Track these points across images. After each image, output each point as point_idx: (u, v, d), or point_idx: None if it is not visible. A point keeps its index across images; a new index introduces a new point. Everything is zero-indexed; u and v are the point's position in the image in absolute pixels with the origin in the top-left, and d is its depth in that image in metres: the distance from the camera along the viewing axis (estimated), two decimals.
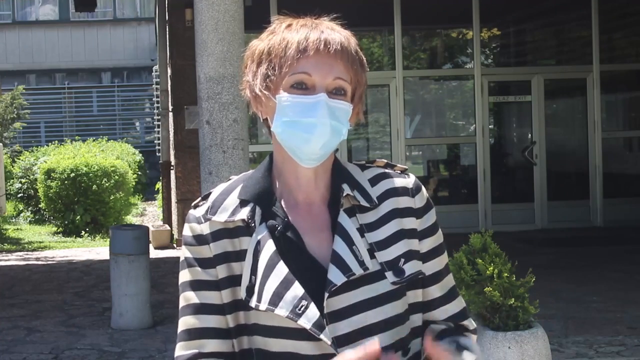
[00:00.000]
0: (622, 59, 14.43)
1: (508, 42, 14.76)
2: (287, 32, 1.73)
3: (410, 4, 13.17)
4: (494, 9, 13.67)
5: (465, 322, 1.85)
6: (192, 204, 1.82)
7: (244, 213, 1.73)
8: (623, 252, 11.13)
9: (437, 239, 1.83)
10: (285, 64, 1.70)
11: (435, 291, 1.81)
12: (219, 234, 1.74)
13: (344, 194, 1.74)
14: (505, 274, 4.80)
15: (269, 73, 1.72)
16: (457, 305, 1.85)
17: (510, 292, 4.80)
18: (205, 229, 1.75)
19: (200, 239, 1.76)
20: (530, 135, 13.72)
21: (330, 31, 1.73)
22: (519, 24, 14.72)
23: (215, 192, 1.80)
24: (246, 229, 1.73)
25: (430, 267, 1.80)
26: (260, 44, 1.77)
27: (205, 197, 1.80)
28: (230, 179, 1.83)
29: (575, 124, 14.17)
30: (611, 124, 14.21)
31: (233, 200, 1.76)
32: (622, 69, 14.13)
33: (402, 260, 1.75)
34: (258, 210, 1.74)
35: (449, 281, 1.85)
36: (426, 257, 1.80)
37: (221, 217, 1.75)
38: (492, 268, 4.81)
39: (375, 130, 13.56)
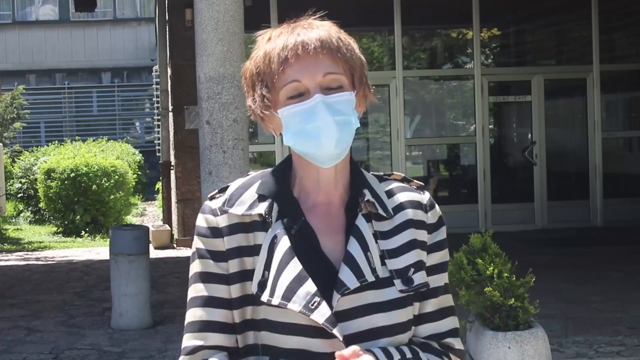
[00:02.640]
0: (622, 59, 14.43)
1: (508, 42, 14.76)
2: (267, 45, 1.74)
3: (410, 4, 13.17)
4: (494, 9, 13.66)
5: (450, 341, 1.82)
6: (209, 196, 1.82)
7: (262, 208, 1.74)
8: (623, 252, 11.13)
9: (444, 256, 1.85)
10: (273, 79, 1.72)
11: (428, 306, 1.80)
12: (234, 228, 1.75)
13: (365, 199, 1.76)
14: (505, 274, 4.80)
15: (264, 93, 1.74)
16: (446, 324, 1.83)
17: (510, 292, 4.80)
18: (221, 221, 1.76)
19: (214, 232, 1.76)
20: (530, 135, 13.72)
21: (306, 30, 1.73)
22: (519, 24, 14.72)
23: (234, 185, 1.81)
24: (262, 224, 1.74)
25: (431, 282, 1.80)
26: (249, 65, 1.78)
27: (223, 190, 1.81)
28: (249, 174, 1.84)
29: (575, 124, 14.17)
30: (611, 124, 14.20)
31: (251, 194, 1.77)
32: (622, 69, 14.12)
33: (412, 269, 1.76)
34: (275, 206, 1.74)
35: (445, 300, 1.84)
36: (429, 271, 1.80)
37: (238, 210, 1.75)
38: (492, 268, 4.81)
39: (375, 130, 13.55)
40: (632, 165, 14.13)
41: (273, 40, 1.74)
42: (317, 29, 1.73)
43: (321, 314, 1.66)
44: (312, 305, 1.66)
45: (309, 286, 1.67)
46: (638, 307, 7.96)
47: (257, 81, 1.75)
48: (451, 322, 1.84)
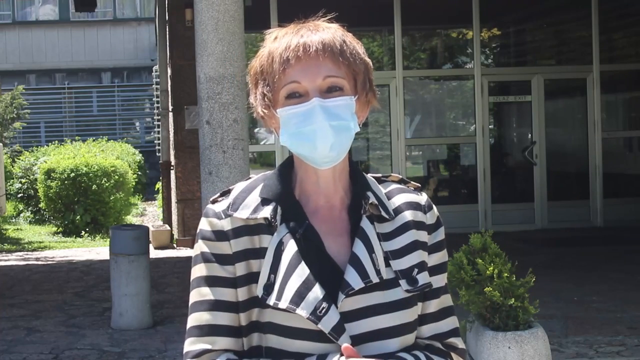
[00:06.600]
0: (622, 59, 14.43)
1: (508, 42, 14.76)
2: (273, 44, 1.76)
3: (410, 4, 13.17)
4: (494, 9, 13.67)
5: (453, 340, 1.85)
6: (211, 199, 1.82)
7: (267, 212, 1.74)
8: (623, 252, 11.13)
9: (443, 256, 1.87)
10: (274, 79, 1.73)
11: (430, 307, 1.83)
12: (239, 231, 1.75)
13: (370, 202, 1.77)
14: (505, 274, 4.80)
15: (265, 92, 1.75)
16: (448, 324, 1.86)
17: (510, 292, 4.80)
18: (226, 224, 1.75)
19: (220, 235, 1.75)
20: (530, 135, 13.72)
21: (310, 33, 1.73)
22: (519, 24, 14.72)
23: (237, 189, 1.81)
24: (267, 227, 1.74)
25: (433, 283, 1.82)
26: (254, 63, 1.80)
27: (225, 194, 1.81)
28: (250, 178, 1.84)
29: (575, 124, 14.17)
30: (611, 124, 14.21)
31: (254, 198, 1.77)
32: (622, 69, 14.12)
33: (416, 270, 1.78)
34: (279, 210, 1.75)
35: (446, 300, 1.87)
36: (431, 272, 1.82)
37: (243, 214, 1.75)
38: (492, 268, 4.81)
39: (375, 130, 13.55)
40: (632, 165, 14.13)
41: (278, 40, 1.75)
42: (321, 32, 1.74)
43: (329, 321, 1.67)
44: (320, 312, 1.66)
45: (317, 291, 1.68)
46: (638, 307, 7.96)
47: (260, 79, 1.76)
48: (452, 322, 1.87)
